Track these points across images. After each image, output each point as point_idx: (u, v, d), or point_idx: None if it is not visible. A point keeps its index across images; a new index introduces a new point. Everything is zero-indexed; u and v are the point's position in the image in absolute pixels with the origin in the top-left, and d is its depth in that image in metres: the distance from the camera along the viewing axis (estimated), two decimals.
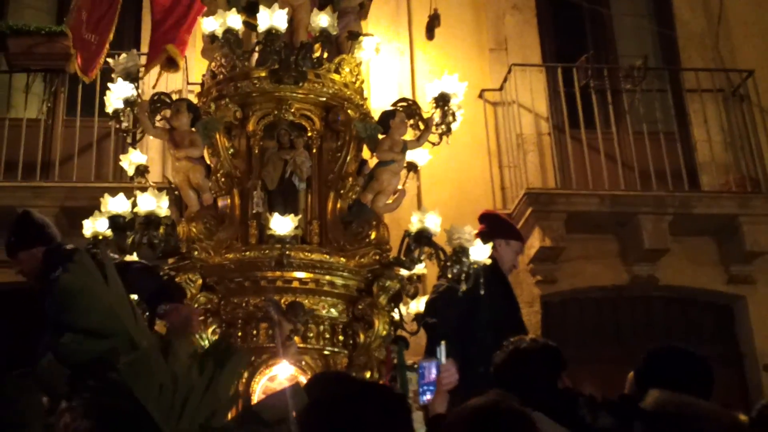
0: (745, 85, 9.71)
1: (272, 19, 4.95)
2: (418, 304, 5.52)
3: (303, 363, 4.70)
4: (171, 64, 6.50)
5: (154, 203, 4.63)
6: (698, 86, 9.73)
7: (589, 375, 7.75)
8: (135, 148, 5.65)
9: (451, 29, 9.89)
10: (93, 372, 1.98)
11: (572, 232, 8.88)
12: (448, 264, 4.86)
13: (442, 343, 4.52)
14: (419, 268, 5.32)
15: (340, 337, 4.93)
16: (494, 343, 4.99)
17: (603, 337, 9.26)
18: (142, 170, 5.65)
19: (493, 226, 5.64)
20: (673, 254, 9.11)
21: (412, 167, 5.70)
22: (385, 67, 9.30)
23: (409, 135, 5.46)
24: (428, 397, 4.20)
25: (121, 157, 5.74)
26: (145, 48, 8.37)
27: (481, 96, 9.63)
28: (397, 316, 5.15)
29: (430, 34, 9.65)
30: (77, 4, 6.61)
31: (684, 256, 9.24)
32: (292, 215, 4.63)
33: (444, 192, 8.93)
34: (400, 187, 5.48)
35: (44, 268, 5.14)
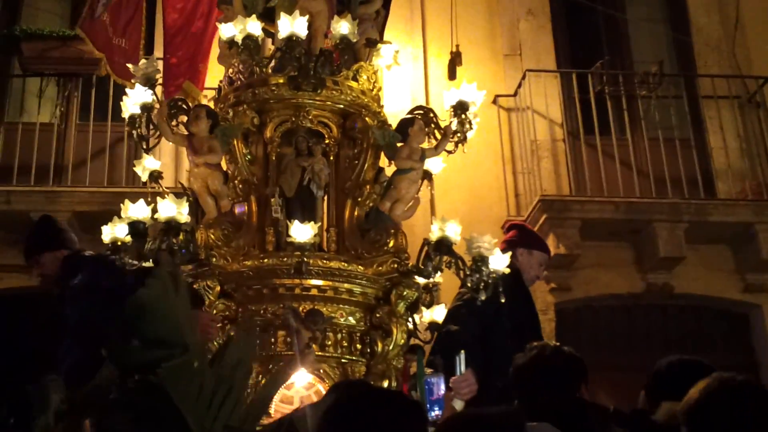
0: (761, 91, 9.66)
1: (293, 25, 4.94)
2: (433, 313, 5.49)
3: (321, 371, 4.68)
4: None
5: (174, 209, 4.62)
6: (714, 92, 9.66)
7: (604, 383, 7.76)
8: (149, 154, 5.63)
9: (465, 35, 9.85)
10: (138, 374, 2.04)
11: (587, 239, 8.84)
12: (468, 273, 4.82)
13: (462, 352, 4.49)
14: (436, 277, 5.29)
15: (358, 346, 4.91)
16: (514, 351, 4.96)
17: (617, 346, 9.19)
18: (156, 176, 5.62)
19: (517, 235, 5.59)
20: (688, 262, 9.05)
21: (427, 175, 5.67)
22: (398, 72, 9.25)
23: (425, 143, 5.42)
24: (437, 413, 4.17)
25: (135, 162, 5.72)
26: (159, 52, 8.38)
27: (495, 102, 9.59)
28: (411, 325, 5.13)
29: (451, 73, 9.59)
30: (92, 7, 6.61)
31: (699, 264, 9.18)
32: (311, 222, 4.62)
33: (458, 198, 8.88)
34: (415, 195, 5.45)
35: (63, 274, 5.17)
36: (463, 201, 8.87)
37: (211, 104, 5.55)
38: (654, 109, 9.53)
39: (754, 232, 9.03)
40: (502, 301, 4.81)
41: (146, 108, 5.14)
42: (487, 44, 10.02)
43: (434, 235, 4.80)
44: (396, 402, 2.58)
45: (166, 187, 5.66)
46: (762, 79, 9.66)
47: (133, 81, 5.24)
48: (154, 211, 4.72)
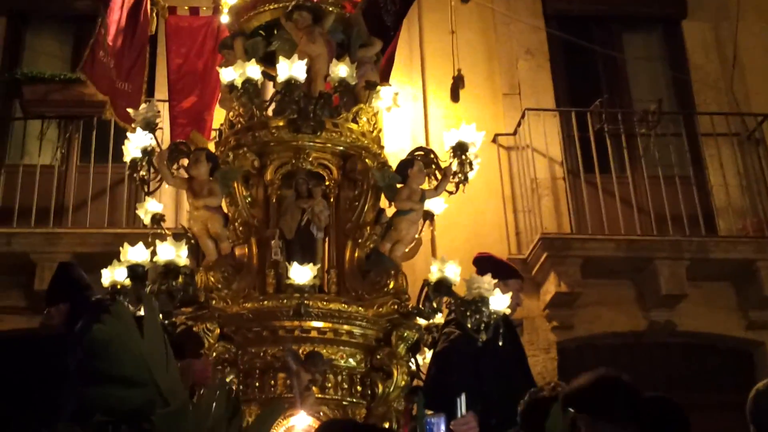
0: (760, 128, 9.68)
1: (291, 69, 4.99)
2: None
3: (321, 413, 4.65)
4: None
5: (173, 252, 4.66)
6: (713, 130, 9.69)
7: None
8: (151, 197, 5.64)
9: (464, 74, 9.88)
10: (128, 421, 2.01)
11: (588, 277, 8.81)
12: (468, 314, 4.79)
13: (463, 394, 4.46)
14: (438, 318, 5.27)
15: (359, 388, 4.91)
16: (504, 391, 4.91)
17: None
18: (158, 219, 5.64)
19: (487, 269, 5.49)
20: (690, 300, 9.01)
21: (429, 216, 5.68)
22: (398, 112, 9.27)
23: (425, 184, 5.43)
24: None
25: (138, 205, 5.74)
26: (160, 94, 8.42)
27: (494, 140, 9.61)
28: (413, 366, 5.10)
29: (454, 96, 9.64)
30: (94, 50, 6.66)
31: (702, 301, 9.13)
32: (311, 264, 4.62)
33: (458, 237, 8.86)
34: (416, 236, 5.44)
35: (69, 322, 5.16)
36: (464, 240, 8.84)
37: (213, 147, 5.57)
38: (653, 147, 9.54)
39: (756, 269, 9.00)
40: (500, 344, 4.77)
41: (147, 152, 5.16)
42: (487, 83, 10.06)
43: (434, 276, 4.80)
44: None
45: (167, 228, 5.67)
46: (761, 117, 9.69)
47: (133, 125, 5.27)
48: (154, 253, 4.72)
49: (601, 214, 9.06)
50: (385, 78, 6.95)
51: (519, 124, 9.51)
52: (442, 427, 4.41)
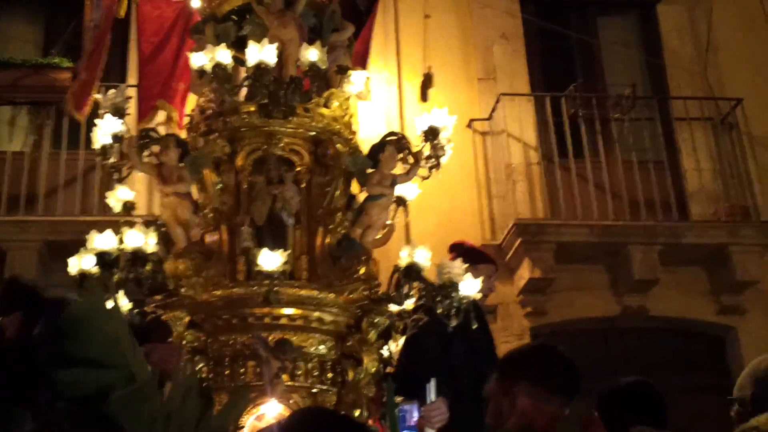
0: (733, 113, 9.72)
1: (261, 53, 4.92)
2: None
3: (291, 401, 4.61)
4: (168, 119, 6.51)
5: (141, 239, 4.58)
6: (687, 115, 9.73)
7: (581, 407, 7.73)
8: (123, 185, 5.56)
9: (439, 59, 9.88)
10: (87, 404, 1.98)
11: (562, 262, 8.85)
12: (438, 299, 4.77)
13: (432, 380, 4.45)
14: (409, 304, 5.25)
15: (329, 375, 4.83)
16: (472, 375, 4.91)
17: (594, 369, 9.07)
18: (129, 207, 5.56)
19: (459, 255, 5.48)
20: (663, 284, 9.07)
21: (401, 202, 5.63)
22: (373, 97, 9.26)
23: (399, 168, 5.40)
24: None
25: (108, 194, 5.64)
26: (131, 80, 8.35)
27: (469, 126, 9.61)
28: (386, 353, 5.07)
29: (423, 95, 9.63)
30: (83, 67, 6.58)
31: (674, 286, 9.20)
32: (280, 250, 4.56)
33: (432, 223, 8.86)
34: (389, 222, 5.41)
35: (26, 328, 5.17)
36: (438, 225, 8.84)
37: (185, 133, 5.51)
38: (627, 131, 9.58)
39: (728, 254, 9.07)
40: (474, 327, 4.77)
41: (117, 138, 5.10)
42: (462, 68, 10.05)
43: (403, 262, 4.77)
44: (343, 426, 2.54)
45: (140, 216, 5.61)
46: (734, 101, 9.73)
47: (100, 111, 5.18)
48: (122, 241, 4.66)
49: (575, 200, 9.09)
50: (362, 62, 6.92)
51: (494, 109, 9.51)
52: (415, 415, 4.41)
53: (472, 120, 9.63)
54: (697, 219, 9.35)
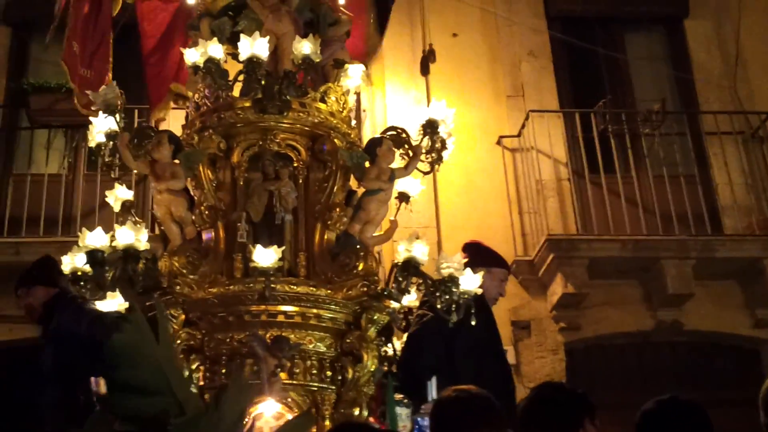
0: (764, 126, 9.71)
1: (253, 47, 4.83)
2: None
3: (289, 399, 4.51)
4: (179, 98, 6.42)
5: (132, 237, 4.45)
6: (717, 129, 9.71)
7: (615, 421, 7.69)
8: (122, 183, 5.50)
9: (468, 76, 9.93)
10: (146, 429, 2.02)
11: (595, 277, 8.84)
12: (437, 294, 4.68)
13: (433, 378, 4.41)
14: (410, 300, 5.20)
15: (328, 373, 4.67)
16: (475, 372, 4.87)
17: (628, 384, 9.14)
18: (128, 206, 5.51)
19: (474, 256, 5.28)
20: (697, 299, 9.03)
21: (405, 198, 5.52)
22: (404, 117, 9.31)
23: (400, 164, 5.31)
24: None
25: (107, 193, 5.58)
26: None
27: (499, 142, 9.65)
28: (390, 351, 5.02)
29: (424, 69, 9.66)
30: (67, 35, 6.54)
31: (708, 300, 9.16)
32: (275, 246, 4.45)
33: (465, 239, 8.81)
34: (392, 219, 5.35)
35: (45, 312, 5.51)
36: None
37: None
38: (658, 146, 9.57)
39: (762, 267, 9.02)
40: (473, 323, 4.65)
41: (111, 136, 5.01)
42: (490, 86, 10.09)
43: (401, 256, 4.68)
44: None
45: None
46: (764, 114, 9.72)
47: (93, 108, 5.12)
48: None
49: (607, 215, 9.09)
50: (377, 45, 6.87)
51: (523, 126, 9.53)
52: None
53: (501, 137, 9.66)
54: (730, 233, 9.31)
